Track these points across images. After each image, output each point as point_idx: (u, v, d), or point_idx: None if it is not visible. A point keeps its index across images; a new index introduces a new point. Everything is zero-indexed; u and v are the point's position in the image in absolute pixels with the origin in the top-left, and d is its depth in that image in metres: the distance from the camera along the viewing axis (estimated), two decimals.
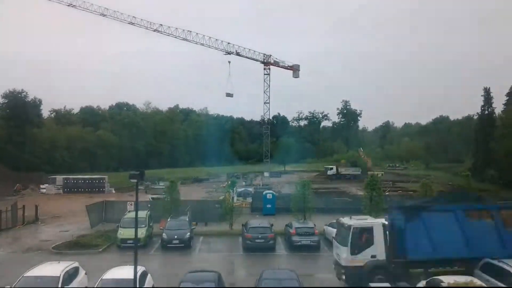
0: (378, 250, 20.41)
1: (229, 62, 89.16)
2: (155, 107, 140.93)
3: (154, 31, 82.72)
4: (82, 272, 19.80)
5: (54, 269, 18.41)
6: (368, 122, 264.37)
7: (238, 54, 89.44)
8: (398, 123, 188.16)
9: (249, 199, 48.50)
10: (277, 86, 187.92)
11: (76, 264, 19.76)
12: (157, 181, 71.00)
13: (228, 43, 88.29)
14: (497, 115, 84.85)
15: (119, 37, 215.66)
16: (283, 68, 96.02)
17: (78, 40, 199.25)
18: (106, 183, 68.24)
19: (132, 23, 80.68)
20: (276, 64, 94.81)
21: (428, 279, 18.16)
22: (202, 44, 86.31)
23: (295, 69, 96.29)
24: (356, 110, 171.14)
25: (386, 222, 20.78)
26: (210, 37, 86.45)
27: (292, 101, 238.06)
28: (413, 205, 22.21)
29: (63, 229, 36.91)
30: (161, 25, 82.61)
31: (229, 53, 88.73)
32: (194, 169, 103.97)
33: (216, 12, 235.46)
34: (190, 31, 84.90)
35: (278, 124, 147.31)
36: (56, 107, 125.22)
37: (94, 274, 19.70)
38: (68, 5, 75.76)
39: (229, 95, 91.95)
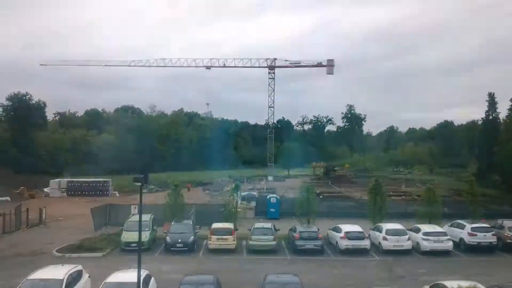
0: None
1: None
2: (159, 111, 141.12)
3: None
4: (85, 275, 19.79)
5: (57, 272, 18.39)
6: (373, 126, 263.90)
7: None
8: (403, 128, 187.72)
9: (253, 203, 48.50)
10: (282, 90, 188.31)
11: (79, 267, 19.76)
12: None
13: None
14: (501, 120, 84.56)
15: (124, 39, 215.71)
16: (313, 67, 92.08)
17: (80, 41, 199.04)
18: (110, 186, 68.33)
19: None
20: (301, 64, 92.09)
21: (432, 284, 18.11)
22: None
23: (329, 65, 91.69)
24: (361, 114, 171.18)
25: None
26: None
27: (297, 105, 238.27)
28: None
29: (66, 232, 36.92)
30: None
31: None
32: (198, 173, 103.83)
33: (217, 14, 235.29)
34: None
35: (282, 128, 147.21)
36: (61, 110, 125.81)
37: (98, 277, 19.69)
38: None
39: None
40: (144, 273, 17.76)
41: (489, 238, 30.02)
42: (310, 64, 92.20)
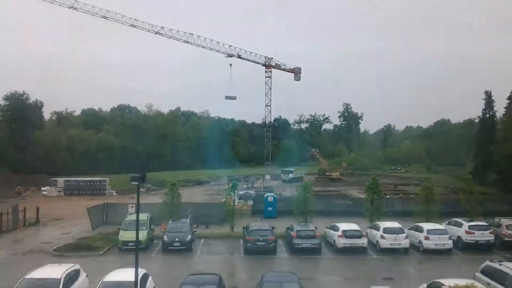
0: None
1: (231, 64, 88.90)
2: (156, 110, 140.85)
3: (156, 33, 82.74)
4: (83, 274, 19.80)
5: (55, 271, 18.39)
6: (370, 125, 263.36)
7: (239, 56, 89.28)
8: (400, 126, 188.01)
9: (250, 202, 48.45)
10: (279, 89, 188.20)
11: (77, 266, 19.75)
12: None
13: (230, 45, 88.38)
14: (498, 118, 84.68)
15: (121, 40, 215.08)
16: (285, 71, 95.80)
17: (79, 42, 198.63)
18: (107, 185, 68.23)
19: (134, 26, 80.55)
20: (277, 67, 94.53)
21: (429, 282, 18.13)
22: (204, 47, 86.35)
23: (296, 72, 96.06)
24: (358, 113, 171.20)
25: None
26: (211, 40, 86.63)
27: (294, 104, 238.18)
28: None
29: (64, 231, 36.96)
30: (163, 27, 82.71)
31: (230, 55, 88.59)
32: (195, 172, 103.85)
33: (217, 13, 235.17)
34: (192, 34, 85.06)
35: (279, 126, 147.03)
36: (58, 109, 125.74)
37: (95, 276, 19.71)
38: (70, 7, 75.80)
39: (230, 97, 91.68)
40: (141, 272, 17.77)
41: (486, 236, 30.10)
42: (284, 68, 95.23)
